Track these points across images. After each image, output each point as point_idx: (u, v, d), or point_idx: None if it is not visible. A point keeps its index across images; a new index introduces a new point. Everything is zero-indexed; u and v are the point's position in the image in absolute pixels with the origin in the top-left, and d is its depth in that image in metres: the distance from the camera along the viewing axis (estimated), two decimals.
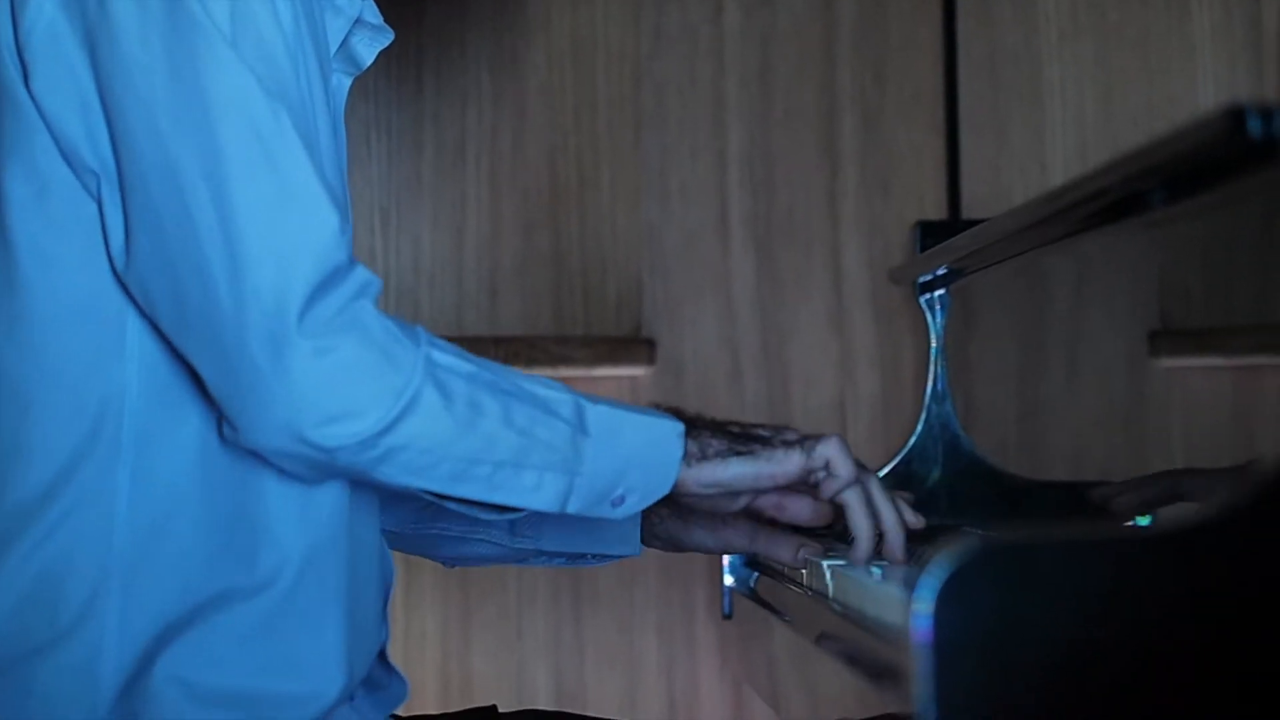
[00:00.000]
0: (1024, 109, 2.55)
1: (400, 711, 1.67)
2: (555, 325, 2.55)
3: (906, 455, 2.21)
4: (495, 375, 1.47)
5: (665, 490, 1.54)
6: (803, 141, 2.57)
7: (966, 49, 2.57)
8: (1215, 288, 1.55)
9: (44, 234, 1.46)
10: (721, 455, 1.55)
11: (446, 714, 1.78)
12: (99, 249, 1.45)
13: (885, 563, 1.58)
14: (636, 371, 2.55)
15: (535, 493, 1.48)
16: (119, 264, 1.44)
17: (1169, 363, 1.63)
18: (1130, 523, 1.65)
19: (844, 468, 1.57)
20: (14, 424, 1.47)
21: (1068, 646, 1.09)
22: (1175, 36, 2.53)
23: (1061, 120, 2.55)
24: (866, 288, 2.55)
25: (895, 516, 1.58)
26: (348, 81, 1.63)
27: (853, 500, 1.57)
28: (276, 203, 1.40)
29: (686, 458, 1.53)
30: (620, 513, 1.53)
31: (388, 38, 1.65)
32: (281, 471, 1.46)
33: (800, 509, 1.63)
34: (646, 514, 1.73)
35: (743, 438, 1.57)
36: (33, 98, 1.44)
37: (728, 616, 2.09)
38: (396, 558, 1.71)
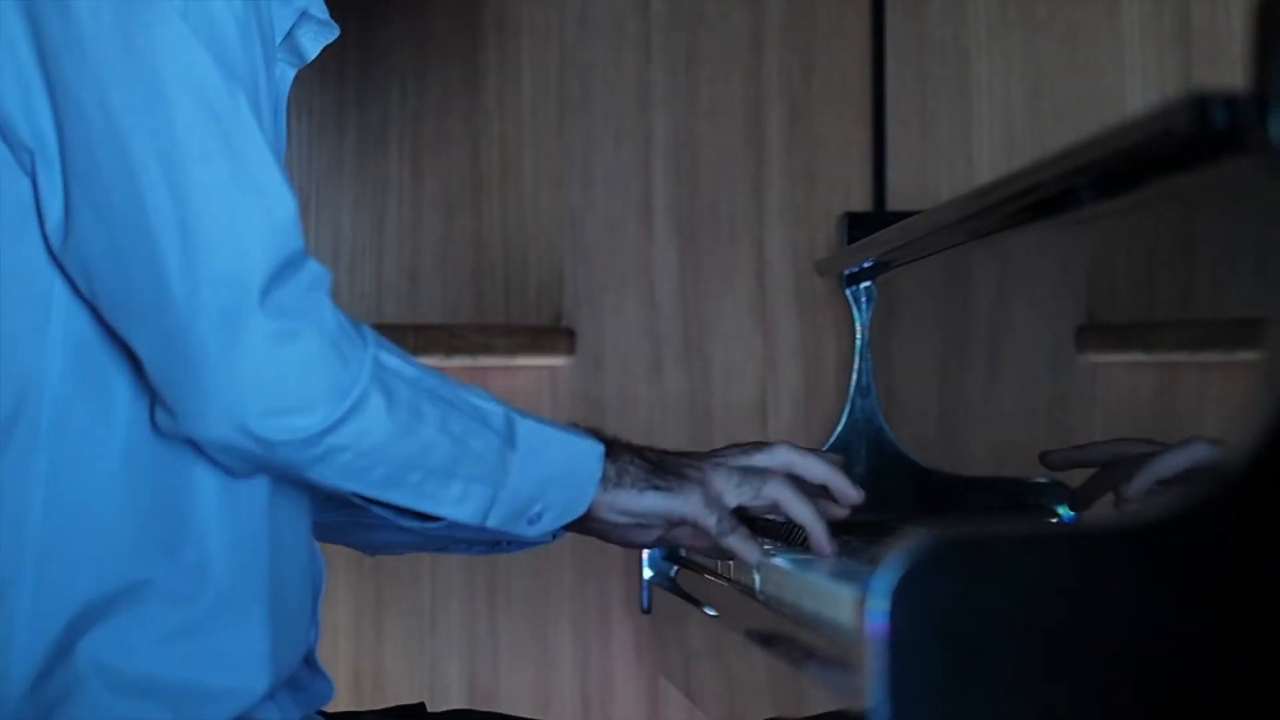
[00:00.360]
0: (951, 101, 2.55)
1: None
2: (476, 313, 2.52)
3: (830, 449, 2.19)
4: (436, 382, 1.47)
5: (581, 510, 1.54)
6: (728, 131, 2.56)
7: (894, 40, 2.56)
8: (1142, 283, 1.55)
9: None
10: (639, 485, 1.55)
11: (375, 711, 1.77)
12: (29, 227, 1.43)
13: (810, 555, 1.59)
14: (556, 362, 2.53)
15: (460, 504, 1.49)
16: (55, 241, 1.42)
17: (1095, 358, 1.63)
18: (1052, 515, 1.65)
19: (796, 510, 1.59)
20: None
21: (1023, 642, 1.08)
22: (1104, 31, 2.53)
23: (989, 113, 2.55)
24: (790, 279, 2.54)
25: (814, 511, 1.60)
26: (291, 72, 1.61)
27: (783, 495, 1.58)
28: (233, 185, 1.39)
29: (604, 481, 1.54)
30: (535, 531, 1.53)
31: (333, 33, 1.63)
32: (211, 461, 1.45)
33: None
34: None
35: (661, 470, 1.57)
36: None
37: (647, 611, 2.07)
38: None
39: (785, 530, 1.74)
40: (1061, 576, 1.09)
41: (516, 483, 1.50)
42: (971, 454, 1.92)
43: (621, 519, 1.57)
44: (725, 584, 1.69)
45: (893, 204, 2.53)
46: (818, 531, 1.58)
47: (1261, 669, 1.09)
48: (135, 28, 1.38)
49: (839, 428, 2.22)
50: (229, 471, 1.46)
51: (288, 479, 1.49)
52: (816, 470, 1.63)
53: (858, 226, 2.30)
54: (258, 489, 1.48)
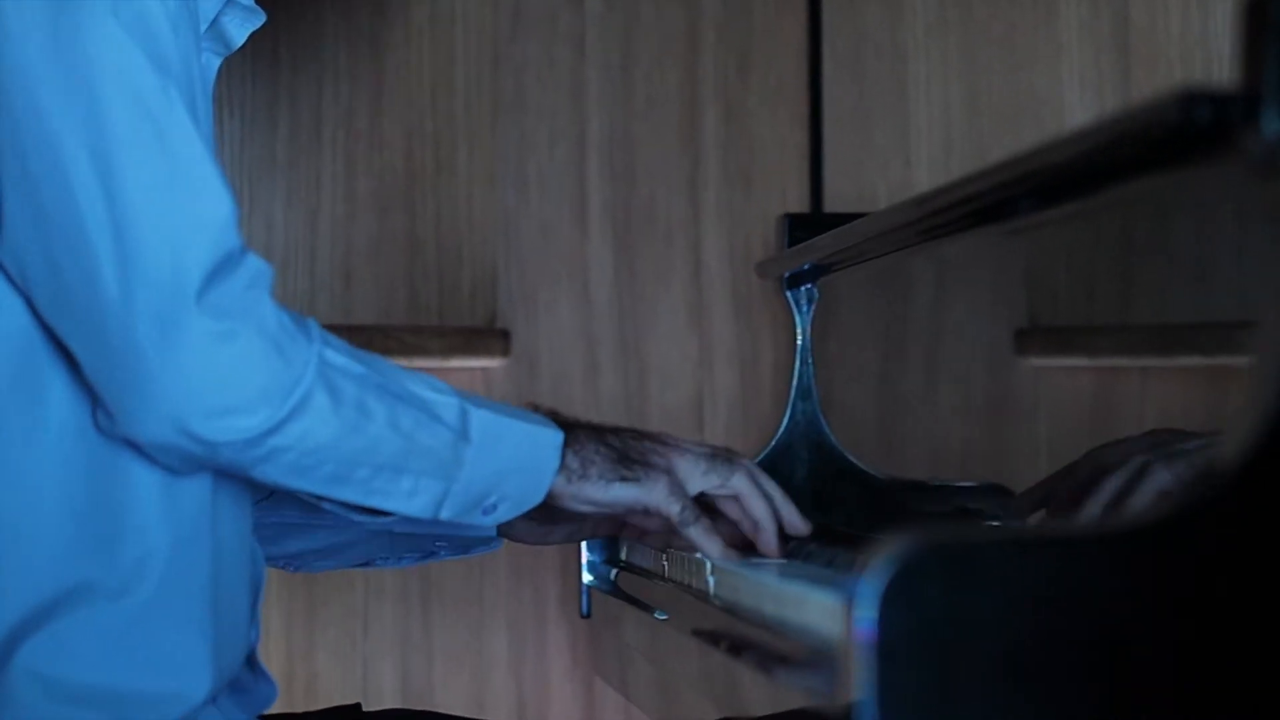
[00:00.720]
0: (889, 103, 2.54)
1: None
2: (409, 313, 2.50)
3: (771, 453, 2.18)
4: (384, 377, 1.45)
5: (537, 500, 1.54)
6: (664, 131, 2.54)
7: (831, 41, 2.55)
8: (1082, 287, 1.55)
9: None
10: (605, 476, 1.55)
11: (309, 713, 1.75)
12: None
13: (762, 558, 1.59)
14: (490, 363, 2.51)
15: (410, 498, 1.47)
16: None
17: (1036, 362, 1.62)
18: (992, 520, 1.65)
19: (755, 507, 1.60)
20: None
21: (1010, 647, 1.08)
22: (1042, 33, 2.53)
23: (926, 115, 2.54)
24: (727, 281, 2.53)
25: (770, 511, 1.61)
26: (217, 61, 1.59)
27: (747, 490, 1.59)
28: (168, 183, 1.37)
29: (566, 472, 1.53)
30: (490, 520, 1.52)
31: (259, 19, 1.61)
32: (150, 461, 1.42)
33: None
34: None
35: (627, 459, 1.56)
36: None
37: (586, 616, 2.06)
38: None
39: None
40: (1046, 582, 1.08)
41: (470, 475, 1.48)
42: (912, 458, 1.91)
43: (586, 508, 1.56)
44: (672, 586, 1.68)
45: (830, 205, 2.52)
46: (770, 533, 1.59)
47: (1246, 673, 1.09)
48: (64, 25, 1.35)
49: (780, 430, 2.21)
50: (170, 470, 1.43)
51: (230, 475, 1.47)
52: (766, 507, 1.63)
53: (799, 228, 2.29)
54: (200, 486, 1.46)
